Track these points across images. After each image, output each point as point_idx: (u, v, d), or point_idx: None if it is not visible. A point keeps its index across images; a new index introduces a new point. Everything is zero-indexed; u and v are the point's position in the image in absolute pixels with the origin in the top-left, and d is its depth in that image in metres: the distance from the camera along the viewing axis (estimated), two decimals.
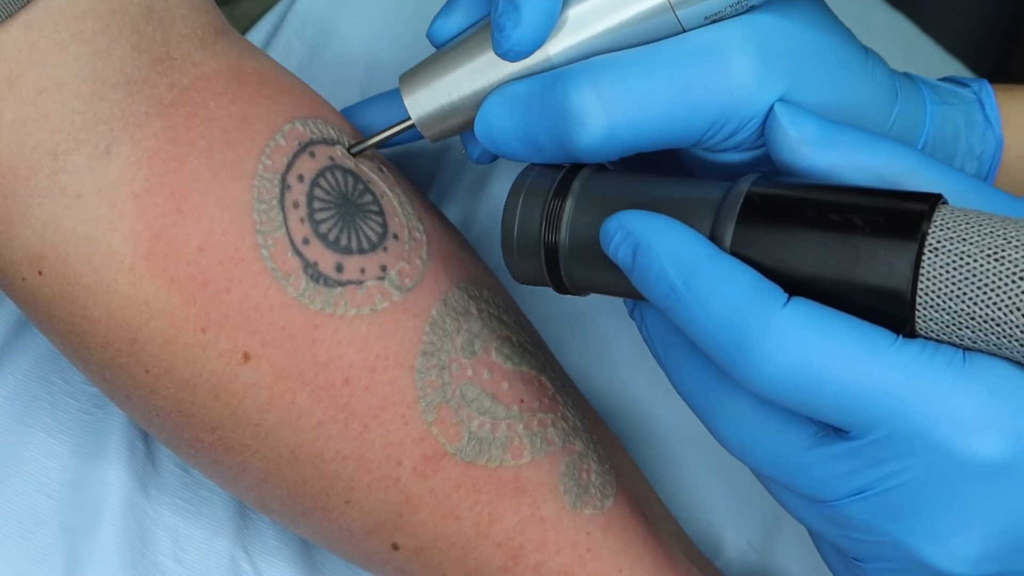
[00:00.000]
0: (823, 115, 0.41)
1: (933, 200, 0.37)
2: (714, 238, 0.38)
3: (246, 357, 0.43)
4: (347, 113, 0.48)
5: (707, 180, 0.41)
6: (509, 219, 0.42)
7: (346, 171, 0.45)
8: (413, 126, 0.44)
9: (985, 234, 0.36)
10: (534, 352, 0.48)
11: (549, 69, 0.42)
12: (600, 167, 0.43)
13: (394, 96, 0.49)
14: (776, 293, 0.37)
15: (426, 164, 0.57)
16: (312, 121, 0.45)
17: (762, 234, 0.38)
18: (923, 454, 0.36)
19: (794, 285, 0.37)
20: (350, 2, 0.57)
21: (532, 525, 0.46)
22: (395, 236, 0.45)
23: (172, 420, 0.44)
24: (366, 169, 0.46)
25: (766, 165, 0.42)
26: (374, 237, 0.45)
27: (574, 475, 0.47)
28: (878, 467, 0.36)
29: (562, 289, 0.42)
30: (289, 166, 0.44)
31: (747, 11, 0.41)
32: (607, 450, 0.49)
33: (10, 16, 0.40)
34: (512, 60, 0.41)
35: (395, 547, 0.46)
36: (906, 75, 0.46)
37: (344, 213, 0.44)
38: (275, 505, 0.46)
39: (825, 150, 0.40)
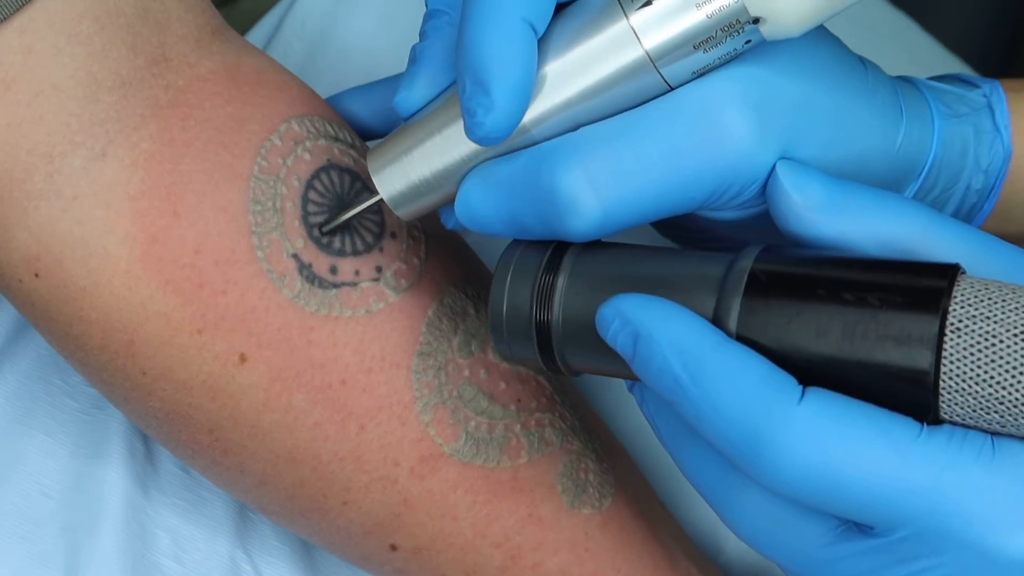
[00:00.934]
0: (825, 166, 0.38)
1: (951, 273, 0.35)
2: (717, 321, 0.36)
3: (242, 359, 0.43)
4: (333, 101, 0.48)
5: (706, 254, 0.38)
6: (497, 298, 0.39)
7: (343, 170, 0.45)
8: (380, 201, 0.42)
9: (1010, 310, 0.34)
10: None
11: (527, 143, 0.39)
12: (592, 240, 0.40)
13: (381, 85, 0.48)
14: (790, 386, 0.34)
15: None
16: (308, 119, 0.45)
17: (770, 316, 0.35)
18: (955, 552, 0.34)
19: (805, 369, 0.35)
20: (350, 2, 0.57)
21: (530, 525, 0.46)
22: (392, 235, 0.45)
23: (169, 422, 0.44)
24: (366, 165, 0.46)
25: (767, 220, 0.39)
26: (370, 238, 0.45)
27: (572, 475, 0.47)
28: (906, 564, 0.34)
29: (555, 370, 0.40)
30: (284, 167, 0.44)
31: (735, 59, 0.38)
32: (606, 449, 0.49)
33: (5, 19, 0.40)
34: (487, 145, 0.38)
35: (393, 547, 0.46)
36: (910, 83, 0.43)
37: (339, 213, 0.44)
38: (273, 506, 0.46)
39: (832, 216, 0.37)
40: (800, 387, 0.35)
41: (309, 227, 0.44)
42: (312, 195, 0.44)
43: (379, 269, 0.44)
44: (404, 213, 0.42)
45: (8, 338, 0.51)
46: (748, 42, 0.37)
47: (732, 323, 0.36)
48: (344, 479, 0.44)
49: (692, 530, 0.54)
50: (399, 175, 0.41)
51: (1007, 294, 0.34)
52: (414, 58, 0.41)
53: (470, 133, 0.38)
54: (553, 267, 0.39)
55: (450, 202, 0.41)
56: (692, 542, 0.52)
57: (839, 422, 0.34)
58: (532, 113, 0.38)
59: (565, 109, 0.38)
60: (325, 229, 0.43)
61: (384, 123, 0.48)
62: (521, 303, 0.39)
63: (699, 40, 0.37)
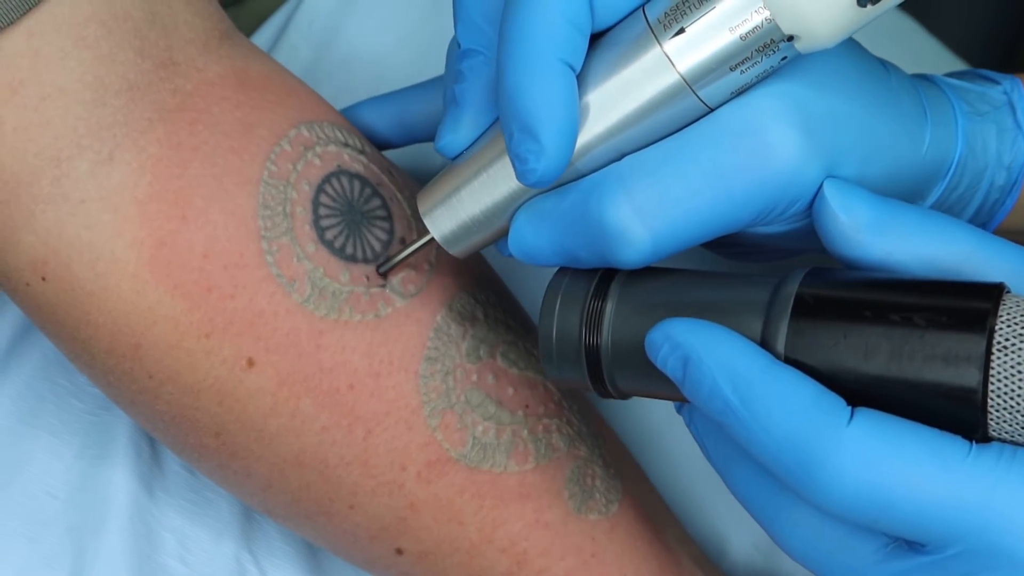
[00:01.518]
0: (864, 180, 0.39)
1: (997, 292, 0.35)
2: (765, 343, 0.37)
3: (250, 363, 0.43)
4: (347, 113, 0.48)
5: (752, 276, 0.39)
6: (547, 324, 0.40)
7: (353, 176, 0.45)
8: (433, 241, 0.42)
9: None
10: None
11: (574, 176, 0.39)
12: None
13: (394, 96, 0.48)
14: (839, 407, 0.35)
15: (433, 168, 0.57)
16: (318, 125, 0.45)
17: (817, 338, 0.36)
18: (1007, 568, 0.34)
19: (853, 391, 0.36)
20: (357, 3, 0.56)
21: (537, 530, 0.46)
22: (401, 241, 0.45)
23: (176, 425, 0.44)
24: (376, 170, 0.46)
25: (812, 232, 0.40)
26: (380, 243, 0.45)
27: (579, 480, 0.47)
28: None
29: (605, 394, 0.40)
30: (295, 172, 0.44)
31: (769, 76, 0.38)
32: (612, 455, 0.49)
33: (13, 23, 0.40)
34: (541, 187, 0.38)
35: (399, 552, 0.46)
36: (930, 81, 0.44)
37: (350, 219, 0.44)
38: (279, 509, 0.46)
39: (879, 237, 0.38)
40: (849, 408, 0.35)
41: (320, 231, 0.43)
42: (323, 200, 0.44)
43: (389, 273, 0.44)
44: (457, 252, 0.42)
45: (14, 339, 0.51)
46: (784, 58, 0.37)
47: (780, 345, 0.36)
48: (351, 483, 0.44)
49: (697, 534, 0.54)
50: (449, 215, 0.41)
51: None
52: (455, 100, 0.41)
53: (523, 178, 0.38)
54: (601, 293, 0.40)
55: (501, 237, 0.42)
56: (697, 546, 0.52)
57: (889, 442, 0.34)
58: (576, 146, 0.39)
59: (608, 139, 0.39)
60: (382, 270, 0.44)
61: (399, 133, 0.48)
62: (571, 328, 0.40)
63: (735, 62, 0.37)
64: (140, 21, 0.42)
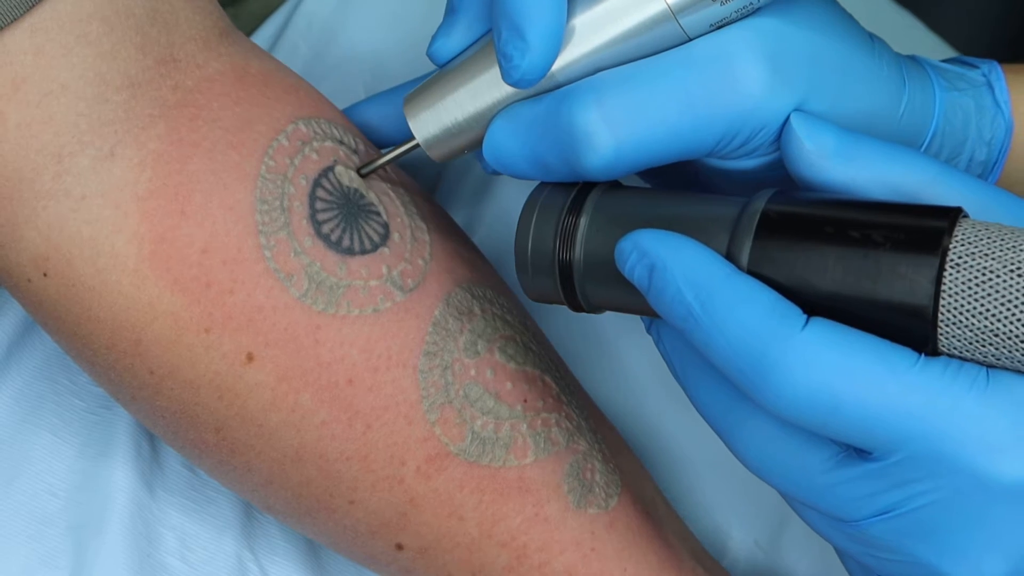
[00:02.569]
0: (834, 120, 0.40)
1: (954, 214, 0.36)
2: (730, 256, 0.38)
3: (249, 358, 0.43)
4: (348, 112, 0.48)
5: (722, 196, 0.40)
6: (523, 237, 0.42)
7: (349, 170, 0.45)
8: (418, 146, 0.44)
9: (1007, 248, 0.35)
10: (538, 352, 0.48)
11: (553, 87, 0.41)
12: (614, 183, 0.42)
13: (393, 93, 0.48)
14: (795, 314, 0.36)
15: (431, 167, 0.57)
16: (315, 121, 0.45)
17: (779, 252, 0.37)
18: (948, 475, 0.35)
19: (813, 303, 0.37)
20: (356, 3, 0.57)
21: (536, 525, 0.46)
22: (398, 236, 0.45)
23: (177, 421, 0.44)
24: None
25: (780, 170, 0.41)
26: (377, 237, 0.45)
27: (578, 475, 0.47)
28: (902, 488, 0.36)
29: (577, 307, 0.42)
30: (292, 167, 0.44)
31: (752, 14, 0.40)
32: (612, 449, 0.49)
33: (15, 20, 0.40)
34: (523, 88, 0.40)
35: (399, 547, 0.46)
36: (913, 59, 0.45)
37: (347, 213, 0.44)
38: (280, 505, 0.46)
39: (843, 163, 0.39)
40: (804, 316, 0.36)
41: (316, 226, 0.44)
42: (320, 193, 0.44)
43: (387, 268, 0.45)
44: (437, 155, 0.44)
45: (15, 338, 0.52)
46: None
47: (744, 259, 0.38)
48: (350, 478, 0.45)
49: (698, 529, 0.54)
50: (433, 119, 0.43)
51: (1006, 234, 0.36)
52: (452, 8, 0.43)
53: (506, 76, 0.40)
54: (576, 208, 0.41)
55: (479, 146, 0.43)
56: (698, 542, 0.52)
57: (839, 348, 0.35)
58: (559, 62, 0.41)
59: (590, 57, 0.40)
60: (363, 172, 0.45)
61: (399, 131, 0.48)
62: (545, 242, 0.41)
63: None
64: (141, 18, 0.42)
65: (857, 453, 0.37)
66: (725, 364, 0.36)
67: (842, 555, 0.40)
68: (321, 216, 0.44)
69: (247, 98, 0.44)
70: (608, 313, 0.53)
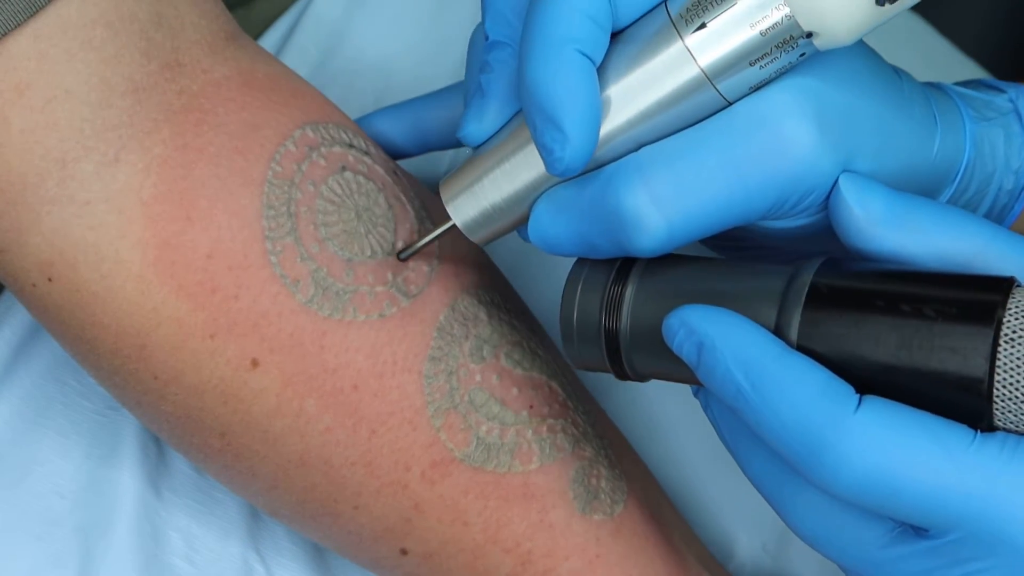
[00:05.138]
0: (878, 177, 0.39)
1: (1007, 286, 0.36)
2: (779, 331, 0.37)
3: (254, 363, 0.43)
4: (361, 123, 0.48)
5: (769, 266, 0.39)
6: (568, 306, 0.41)
7: (357, 176, 0.45)
8: (455, 229, 0.43)
9: None
10: (545, 357, 0.48)
11: (595, 166, 0.40)
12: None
13: (405, 106, 0.48)
14: (847, 394, 0.36)
15: (439, 172, 0.57)
16: (323, 126, 0.45)
17: (829, 327, 0.37)
18: (1006, 554, 0.35)
19: (865, 379, 0.36)
20: (364, 6, 0.57)
21: (541, 531, 0.46)
22: (404, 241, 0.45)
23: (181, 426, 0.44)
24: (380, 172, 0.46)
25: (822, 229, 0.41)
26: (384, 243, 0.45)
27: (584, 481, 0.47)
28: (960, 566, 0.36)
29: (623, 376, 0.42)
30: (299, 172, 0.44)
31: (788, 72, 0.39)
32: (618, 455, 0.49)
33: (19, 25, 0.40)
34: (568, 176, 0.39)
35: (404, 552, 0.46)
36: (939, 88, 0.44)
37: (354, 219, 0.44)
38: (284, 510, 0.46)
39: (894, 231, 0.38)
40: (857, 396, 0.36)
41: (324, 231, 0.44)
42: (328, 198, 0.44)
43: (392, 274, 0.44)
44: (478, 238, 0.43)
45: (23, 340, 0.52)
46: (803, 55, 0.38)
47: (793, 334, 0.37)
48: (355, 484, 0.45)
49: (704, 535, 0.54)
50: (471, 202, 0.42)
51: None
52: (481, 90, 0.42)
53: (551, 168, 0.39)
54: (621, 280, 0.41)
55: (519, 225, 0.42)
56: (704, 547, 0.52)
57: (895, 429, 0.35)
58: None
59: (628, 130, 0.39)
60: (403, 256, 0.45)
61: (414, 142, 0.48)
62: (591, 311, 0.41)
63: (754, 57, 0.38)
64: (146, 23, 0.42)
65: (914, 530, 0.37)
66: (778, 444, 0.36)
67: None
68: (328, 221, 0.44)
69: (253, 103, 0.44)
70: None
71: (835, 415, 0.35)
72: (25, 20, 0.40)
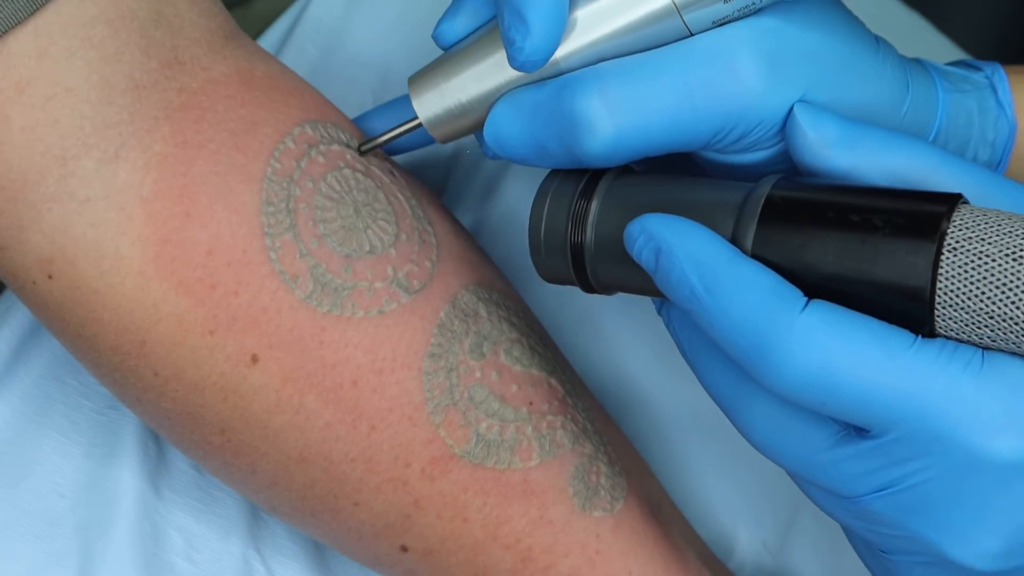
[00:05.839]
0: (841, 114, 0.41)
1: (952, 200, 0.37)
2: (735, 241, 0.39)
3: (254, 359, 0.43)
4: (358, 121, 0.49)
5: (729, 182, 0.41)
6: (536, 219, 0.43)
7: (356, 173, 0.45)
8: (420, 126, 0.44)
9: (1004, 234, 0.36)
10: (544, 354, 0.48)
11: (556, 74, 0.42)
12: (624, 170, 0.43)
13: (404, 102, 0.49)
14: (795, 296, 0.37)
15: (438, 171, 0.57)
16: (322, 125, 0.45)
17: (782, 236, 0.38)
18: (942, 453, 0.36)
19: (814, 286, 0.37)
20: (363, 6, 0.57)
21: (541, 527, 0.46)
22: (404, 238, 0.45)
23: (181, 422, 0.44)
24: (377, 171, 0.46)
25: (777, 165, 0.42)
26: (383, 239, 0.45)
27: (584, 477, 0.47)
28: (899, 465, 0.37)
29: (588, 288, 0.43)
30: (298, 169, 0.44)
31: (754, 14, 0.41)
32: (618, 451, 0.49)
33: (19, 23, 0.40)
34: (528, 71, 0.41)
35: (404, 549, 0.46)
36: (917, 61, 0.45)
37: (353, 215, 0.44)
38: (284, 507, 0.46)
39: (846, 151, 0.40)
40: (805, 299, 0.37)
41: (323, 228, 0.44)
42: (327, 195, 0.44)
43: (392, 270, 0.45)
44: (439, 134, 0.44)
45: (23, 339, 0.52)
46: None
47: (748, 242, 0.38)
48: (355, 480, 0.45)
49: (704, 532, 0.54)
50: (436, 100, 0.44)
51: (1003, 219, 0.36)
52: None
53: (511, 60, 0.41)
54: (588, 193, 0.42)
55: (480, 127, 0.44)
56: (704, 543, 0.52)
57: (838, 329, 0.36)
58: (563, 50, 0.41)
59: (593, 47, 0.41)
60: (364, 148, 0.46)
61: (409, 138, 0.48)
62: (558, 224, 0.42)
63: None
64: (146, 21, 0.42)
65: (856, 432, 0.37)
66: (728, 344, 0.37)
67: (847, 532, 0.41)
68: (326, 218, 0.44)
69: (253, 101, 0.44)
70: (616, 312, 0.53)
71: (781, 315, 0.37)
72: (25, 18, 0.40)
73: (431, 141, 0.49)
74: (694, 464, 0.55)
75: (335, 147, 0.45)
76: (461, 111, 0.43)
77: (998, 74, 0.46)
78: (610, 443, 0.49)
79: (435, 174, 0.57)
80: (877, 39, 0.43)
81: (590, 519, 0.47)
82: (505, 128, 0.42)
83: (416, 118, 0.44)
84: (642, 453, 0.53)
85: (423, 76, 0.44)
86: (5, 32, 0.40)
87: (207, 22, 0.44)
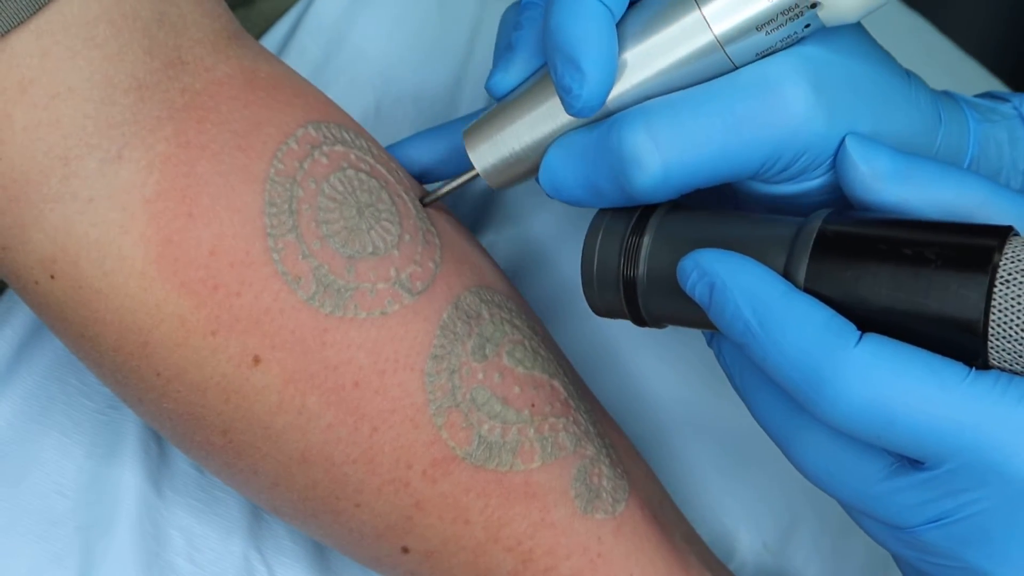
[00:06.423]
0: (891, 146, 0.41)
1: (1004, 232, 0.37)
2: (787, 275, 0.39)
3: (256, 360, 0.43)
4: (396, 148, 0.49)
5: (779, 217, 0.41)
6: (589, 254, 0.43)
7: (359, 173, 0.45)
8: (478, 176, 0.46)
9: None
10: (547, 356, 0.48)
11: (605, 115, 0.43)
12: (675, 206, 0.43)
13: (439, 132, 0.49)
14: (849, 330, 0.37)
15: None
16: (325, 125, 0.45)
17: (834, 270, 0.38)
18: (997, 484, 0.37)
19: (867, 320, 0.38)
20: (366, 6, 0.57)
21: (542, 530, 0.46)
22: (408, 239, 0.45)
23: (183, 423, 0.44)
24: (382, 171, 0.46)
25: (824, 195, 0.42)
26: (386, 240, 0.45)
27: (585, 479, 0.47)
28: (953, 496, 0.37)
29: (640, 321, 0.43)
30: (301, 169, 0.44)
31: (796, 43, 0.41)
32: (620, 454, 0.49)
33: (22, 22, 0.40)
34: (586, 116, 0.42)
35: (405, 550, 0.46)
36: (946, 94, 0.46)
37: (356, 216, 0.44)
38: (286, 508, 0.46)
39: (897, 185, 0.40)
40: (858, 332, 0.38)
41: (325, 228, 0.44)
42: (330, 196, 0.44)
43: (395, 271, 0.45)
44: (495, 183, 0.46)
45: (25, 338, 0.52)
46: (807, 26, 0.41)
47: (800, 276, 0.39)
48: (357, 481, 0.45)
49: (705, 533, 0.54)
50: (492, 150, 0.45)
51: None
52: (510, 45, 0.45)
53: (568, 108, 0.42)
54: (639, 230, 0.43)
55: (534, 174, 0.45)
56: (705, 545, 0.52)
57: (892, 362, 0.37)
58: (612, 93, 0.42)
59: (641, 87, 0.42)
60: (426, 201, 0.47)
61: (449, 166, 0.49)
62: (610, 260, 0.43)
63: (762, 23, 0.41)
64: (149, 21, 0.42)
65: (911, 463, 0.38)
66: (782, 378, 0.38)
67: (899, 561, 0.42)
68: (329, 219, 0.44)
69: (256, 101, 0.44)
70: (622, 320, 0.53)
71: (836, 349, 0.37)
72: (28, 17, 0.40)
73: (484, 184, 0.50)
74: (695, 466, 0.55)
75: (338, 148, 0.45)
76: (516, 159, 0.45)
77: None
78: (612, 445, 0.49)
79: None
80: (908, 75, 0.44)
81: (592, 521, 0.47)
82: (559, 172, 0.43)
83: (474, 169, 0.45)
84: (644, 455, 0.53)
85: (478, 128, 0.45)
86: (7, 31, 0.40)
87: (210, 22, 0.44)
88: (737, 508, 0.55)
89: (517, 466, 0.46)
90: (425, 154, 0.49)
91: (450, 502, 0.45)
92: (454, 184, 0.46)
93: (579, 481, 0.47)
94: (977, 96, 0.47)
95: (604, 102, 0.41)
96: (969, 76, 0.67)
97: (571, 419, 0.47)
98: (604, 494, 0.47)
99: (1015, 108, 0.46)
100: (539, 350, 0.48)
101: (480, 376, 0.45)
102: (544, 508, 0.46)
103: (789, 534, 0.55)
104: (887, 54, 0.43)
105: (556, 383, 0.47)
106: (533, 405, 0.46)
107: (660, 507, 0.50)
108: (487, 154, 0.45)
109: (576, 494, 0.46)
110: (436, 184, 0.48)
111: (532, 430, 0.46)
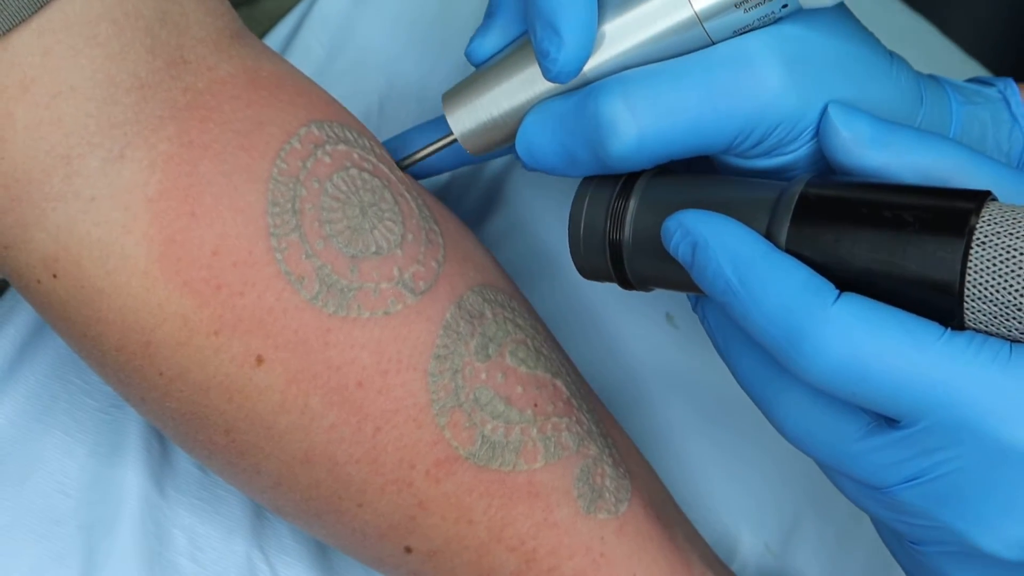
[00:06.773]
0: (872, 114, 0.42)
1: (982, 196, 0.38)
2: (770, 236, 0.40)
3: (259, 360, 0.43)
4: (394, 140, 0.49)
5: (762, 180, 0.42)
6: (576, 218, 0.44)
7: (362, 173, 0.45)
8: (455, 141, 0.46)
9: None
10: (549, 356, 0.48)
11: (584, 84, 0.43)
12: (661, 170, 0.44)
13: (437, 122, 0.49)
14: (827, 289, 0.38)
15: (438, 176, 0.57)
16: (328, 125, 0.45)
17: (815, 232, 0.39)
18: (971, 443, 0.37)
19: (846, 281, 0.38)
20: (369, 4, 0.57)
21: (545, 529, 0.46)
22: (411, 238, 0.45)
23: (186, 422, 0.44)
24: (385, 170, 0.46)
25: (797, 171, 0.43)
26: (389, 240, 0.45)
27: (588, 479, 0.47)
28: (928, 455, 0.37)
29: (626, 284, 0.44)
30: (304, 169, 0.44)
31: (774, 23, 0.42)
32: (622, 453, 0.49)
33: (23, 21, 0.40)
34: (562, 82, 0.42)
35: (408, 550, 0.46)
36: (931, 77, 0.46)
37: (359, 216, 0.44)
38: (289, 507, 0.46)
39: (878, 150, 0.41)
40: (836, 291, 0.38)
41: (328, 228, 0.44)
42: (333, 195, 0.44)
43: (398, 271, 0.44)
44: (472, 148, 0.46)
45: (28, 337, 0.52)
46: (785, 6, 0.41)
47: (782, 238, 0.40)
48: (359, 481, 0.44)
49: (707, 534, 0.54)
50: (470, 115, 0.45)
51: None
52: (491, 11, 0.45)
53: (546, 72, 0.42)
54: (625, 193, 0.43)
55: (511, 141, 0.45)
56: (707, 545, 0.52)
57: (869, 321, 0.37)
58: (591, 63, 0.43)
59: (619, 58, 0.43)
60: (403, 164, 0.47)
61: (445, 161, 0.49)
62: (596, 223, 0.44)
63: (740, 0, 0.41)
64: (151, 20, 0.42)
65: (887, 423, 0.38)
66: (762, 336, 0.38)
67: (876, 522, 0.42)
68: (332, 218, 0.44)
69: (259, 100, 0.44)
70: (621, 314, 0.53)
71: (814, 307, 0.37)
72: (29, 16, 0.40)
73: (467, 162, 0.50)
74: (698, 466, 0.55)
75: (341, 147, 0.45)
76: (494, 125, 0.45)
77: (1011, 88, 0.47)
78: (615, 445, 0.49)
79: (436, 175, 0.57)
80: (891, 55, 0.44)
81: (595, 521, 0.47)
82: (536, 139, 0.44)
83: (451, 133, 0.46)
84: (646, 455, 0.53)
85: (456, 93, 0.46)
86: (9, 30, 0.40)
87: (213, 21, 0.44)
88: (739, 508, 0.55)
89: (520, 466, 0.45)
90: (423, 142, 0.49)
91: (453, 502, 0.45)
92: (431, 148, 0.47)
93: (582, 481, 0.46)
94: (965, 81, 0.48)
95: (581, 68, 0.42)
96: (969, 75, 0.67)
97: (574, 419, 0.47)
98: (607, 494, 0.47)
99: (1000, 92, 0.47)
100: (542, 349, 0.48)
101: (483, 376, 0.45)
102: (547, 508, 0.46)
103: (791, 535, 0.55)
104: (871, 35, 0.44)
105: (559, 383, 0.47)
106: (536, 405, 0.46)
107: (663, 507, 0.50)
108: (465, 119, 0.45)
109: (579, 494, 0.46)
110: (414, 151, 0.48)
111: (535, 430, 0.46)
